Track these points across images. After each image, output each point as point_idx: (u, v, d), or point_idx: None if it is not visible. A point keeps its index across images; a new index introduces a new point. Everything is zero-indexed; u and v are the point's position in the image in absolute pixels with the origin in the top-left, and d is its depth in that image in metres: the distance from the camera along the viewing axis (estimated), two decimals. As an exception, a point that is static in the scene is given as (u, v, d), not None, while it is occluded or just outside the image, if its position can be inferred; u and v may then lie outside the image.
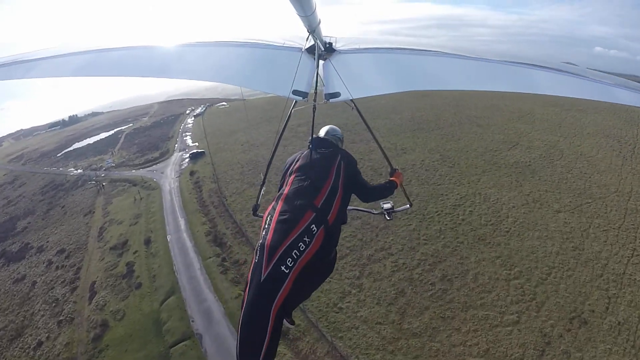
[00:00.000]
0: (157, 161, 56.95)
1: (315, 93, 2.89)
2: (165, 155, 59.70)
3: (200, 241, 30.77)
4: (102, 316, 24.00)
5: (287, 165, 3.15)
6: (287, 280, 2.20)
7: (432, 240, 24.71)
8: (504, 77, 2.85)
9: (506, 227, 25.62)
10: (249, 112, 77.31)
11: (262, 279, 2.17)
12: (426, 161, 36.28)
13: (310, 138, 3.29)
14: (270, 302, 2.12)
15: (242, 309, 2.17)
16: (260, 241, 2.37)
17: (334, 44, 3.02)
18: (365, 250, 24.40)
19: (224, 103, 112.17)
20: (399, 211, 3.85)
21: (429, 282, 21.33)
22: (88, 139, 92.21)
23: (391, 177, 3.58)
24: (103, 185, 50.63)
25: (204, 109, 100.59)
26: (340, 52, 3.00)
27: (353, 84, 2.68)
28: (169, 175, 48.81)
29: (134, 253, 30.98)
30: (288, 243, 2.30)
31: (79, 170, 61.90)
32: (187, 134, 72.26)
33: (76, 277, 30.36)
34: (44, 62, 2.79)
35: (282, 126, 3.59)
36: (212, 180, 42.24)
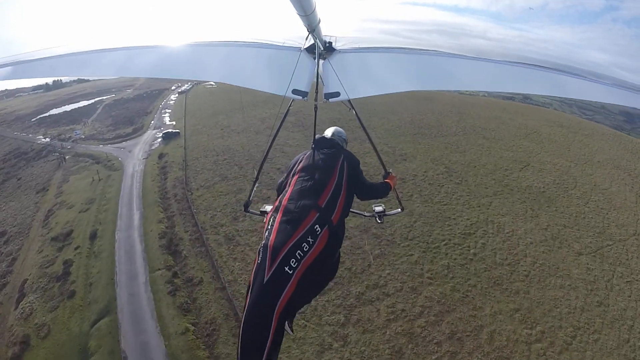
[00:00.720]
0: (129, 138, 50.82)
1: (317, 92, 2.83)
2: (138, 131, 53.04)
3: (152, 245, 24.73)
4: (25, 329, 19.65)
5: (291, 167, 3.04)
6: (290, 282, 2.14)
7: (439, 279, 19.89)
8: (507, 78, 2.84)
9: (525, 270, 21.24)
10: (234, 95, 69.89)
11: (266, 280, 2.12)
12: (429, 173, 31.41)
13: (313, 138, 3.23)
14: (274, 304, 2.07)
15: (244, 310, 2.12)
16: (263, 242, 2.32)
17: (333, 44, 2.93)
18: (354, 286, 19.23)
19: (211, 82, 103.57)
20: (391, 215, 3.73)
21: (434, 341, 16.51)
22: (66, 106, 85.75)
23: (385, 179, 3.53)
24: (65, 158, 44.21)
25: (190, 86, 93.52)
26: (340, 51, 2.92)
27: (353, 83, 2.66)
28: (136, 155, 42.45)
29: (76, 249, 25.67)
30: (292, 243, 2.25)
31: (47, 139, 55.40)
32: (167, 110, 65.75)
33: (9, 270, 25.63)
34: (45, 62, 2.82)
35: (279, 125, 3.45)
36: (180, 167, 35.59)
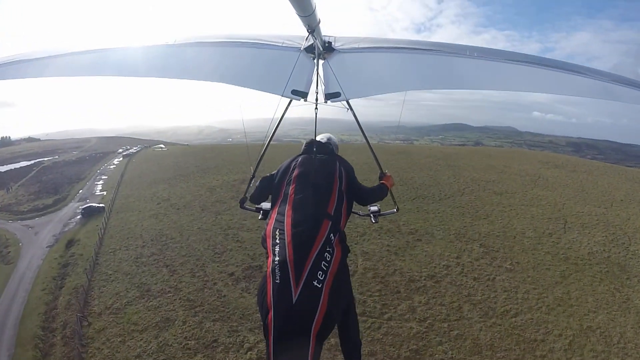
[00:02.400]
0: (45, 212, 40.36)
1: (317, 93, 2.77)
2: (58, 203, 42.75)
3: None
4: None
5: (281, 173, 2.93)
6: (322, 296, 2.00)
7: None
8: (513, 77, 2.73)
9: None
10: (183, 159, 61.75)
11: (295, 300, 1.93)
12: (465, 259, 22.44)
13: (304, 142, 3.23)
14: (309, 325, 1.90)
15: (269, 339, 1.91)
16: (278, 258, 2.12)
17: (333, 44, 2.91)
18: None
19: (161, 145, 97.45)
20: (386, 215, 3.78)
21: None
22: (2, 166, 78.10)
23: (381, 180, 3.53)
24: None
25: (138, 149, 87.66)
26: (339, 51, 2.89)
27: (353, 84, 2.62)
28: (40, 241, 31.03)
29: None
30: (315, 255, 2.12)
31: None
32: (103, 177, 57.13)
33: None
34: (43, 61, 2.75)
35: (276, 125, 3.41)
36: (88, 266, 23.62)
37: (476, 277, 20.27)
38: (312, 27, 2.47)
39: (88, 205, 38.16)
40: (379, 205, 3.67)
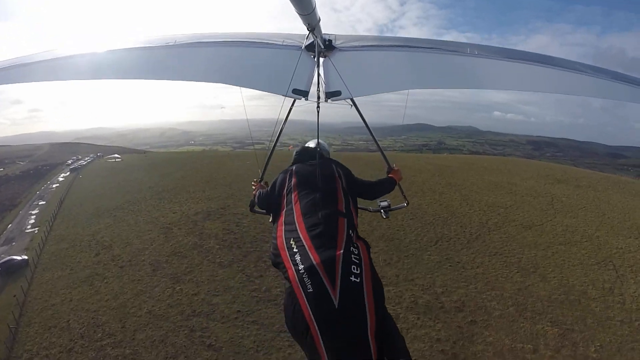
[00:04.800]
0: None
1: (318, 91, 2.70)
2: None
3: None
4: None
5: (278, 186, 2.68)
6: (364, 290, 1.77)
7: None
8: (513, 75, 2.65)
9: None
10: (138, 175, 51.48)
11: (337, 303, 1.69)
12: (544, 351, 16.24)
13: (296, 150, 3.11)
14: (363, 326, 1.68)
15: (321, 354, 1.64)
16: (302, 266, 1.86)
17: (333, 42, 2.83)
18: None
19: (116, 155, 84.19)
20: (396, 209, 3.55)
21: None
22: None
23: (389, 174, 3.37)
24: None
25: (90, 160, 77.48)
26: (340, 49, 2.81)
27: (353, 82, 2.57)
28: None
29: None
30: (342, 251, 1.91)
31: None
32: (41, 203, 46.31)
33: None
34: (44, 64, 2.62)
35: (281, 126, 3.24)
36: None
37: None
38: (313, 25, 2.36)
39: (8, 259, 27.84)
40: (389, 200, 3.37)
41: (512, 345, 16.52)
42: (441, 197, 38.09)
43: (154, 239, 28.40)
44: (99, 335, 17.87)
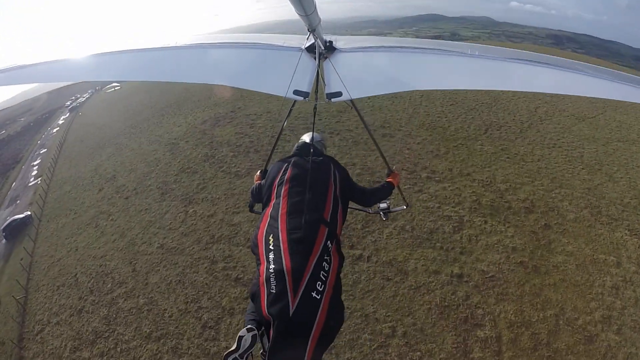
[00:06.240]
0: None
1: (317, 92, 2.76)
2: None
3: None
4: None
5: (272, 175, 2.61)
6: (320, 309, 1.80)
7: None
8: (513, 76, 2.63)
9: None
10: (137, 98, 46.63)
11: (292, 312, 1.73)
12: (625, 253, 14.43)
13: (296, 144, 3.00)
14: (305, 340, 1.72)
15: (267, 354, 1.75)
16: (273, 266, 1.88)
17: (334, 43, 2.78)
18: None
19: (115, 84, 74.02)
20: (395, 211, 3.66)
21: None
22: None
23: (388, 178, 3.29)
24: None
25: (89, 95, 69.20)
26: (340, 50, 2.77)
27: (354, 83, 2.52)
28: None
29: None
30: (313, 263, 1.90)
31: None
32: (42, 152, 41.96)
33: None
34: (47, 66, 2.68)
35: (281, 127, 3.43)
36: None
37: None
38: (313, 26, 2.31)
39: (10, 221, 23.81)
40: (388, 202, 3.44)
41: (594, 256, 14.56)
42: (505, 136, 32.23)
43: (160, 158, 24.38)
44: (109, 285, 14.60)
